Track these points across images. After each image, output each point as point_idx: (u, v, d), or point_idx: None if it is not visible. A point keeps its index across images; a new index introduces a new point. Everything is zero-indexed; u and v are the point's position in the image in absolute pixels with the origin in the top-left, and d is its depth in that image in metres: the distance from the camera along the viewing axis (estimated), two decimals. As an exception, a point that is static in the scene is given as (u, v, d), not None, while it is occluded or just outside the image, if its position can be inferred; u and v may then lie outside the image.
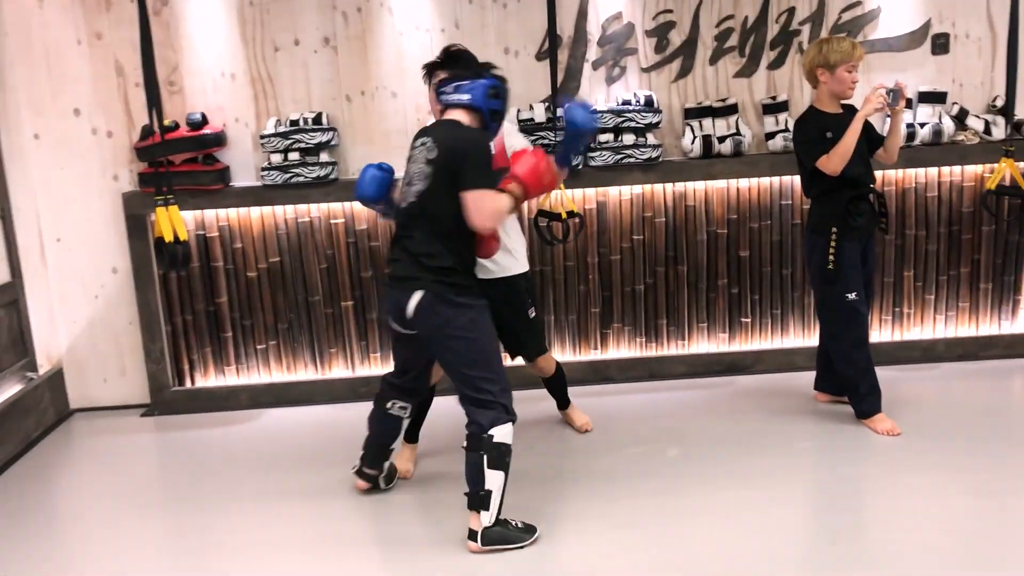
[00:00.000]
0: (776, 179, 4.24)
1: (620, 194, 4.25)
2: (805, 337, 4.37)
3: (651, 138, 4.10)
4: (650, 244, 4.30)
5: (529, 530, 2.88)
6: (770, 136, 4.17)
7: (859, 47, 3.42)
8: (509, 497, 2.87)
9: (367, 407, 4.01)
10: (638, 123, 4.05)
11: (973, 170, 4.27)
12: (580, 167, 4.09)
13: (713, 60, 4.20)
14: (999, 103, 4.19)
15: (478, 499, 2.81)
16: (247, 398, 4.30)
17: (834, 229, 3.46)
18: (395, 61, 4.14)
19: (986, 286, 4.38)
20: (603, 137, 4.08)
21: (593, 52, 4.18)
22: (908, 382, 4.09)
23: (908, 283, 4.38)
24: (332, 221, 4.23)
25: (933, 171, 4.27)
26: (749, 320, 4.39)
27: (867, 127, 3.45)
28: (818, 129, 3.42)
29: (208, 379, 4.36)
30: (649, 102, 4.08)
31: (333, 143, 4.10)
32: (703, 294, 4.35)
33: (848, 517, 2.99)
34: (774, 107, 4.17)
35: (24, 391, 4.00)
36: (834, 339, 3.63)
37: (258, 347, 4.32)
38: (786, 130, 4.11)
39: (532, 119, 4.04)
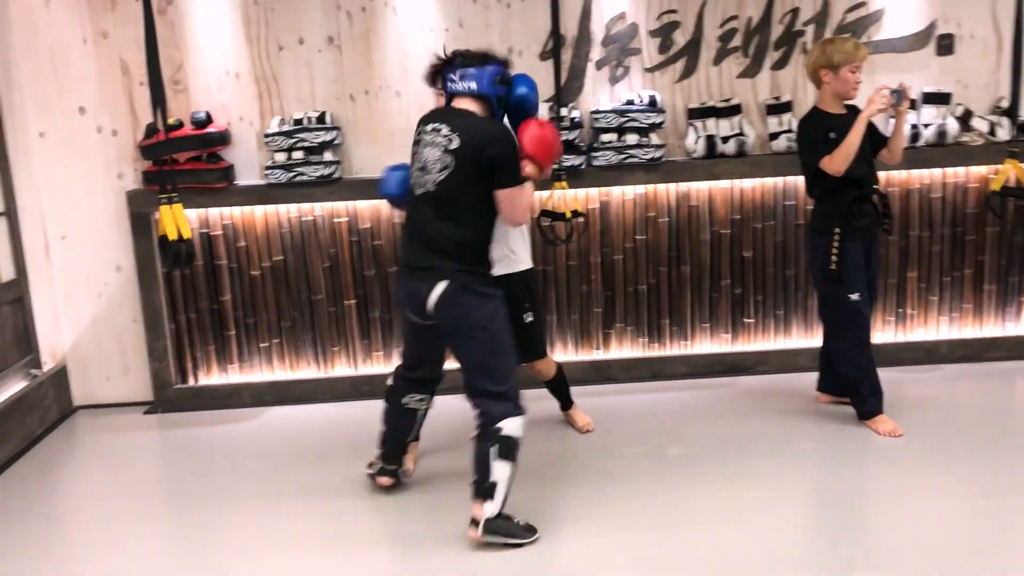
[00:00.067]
0: (780, 180, 4.24)
1: (623, 194, 4.25)
2: (808, 338, 4.36)
3: (654, 138, 4.10)
4: (653, 244, 4.30)
5: (530, 530, 2.89)
6: (774, 136, 4.16)
7: (863, 48, 3.42)
8: (510, 496, 2.87)
9: (369, 405, 4.02)
10: (642, 123, 4.05)
11: (978, 171, 4.26)
12: (583, 167, 4.09)
13: (717, 60, 4.20)
14: (1004, 104, 4.18)
15: (483, 489, 2.80)
16: (250, 396, 4.31)
17: (837, 230, 3.45)
18: (399, 60, 4.15)
19: (990, 287, 4.37)
20: (606, 137, 4.08)
21: (597, 52, 4.18)
22: (911, 383, 4.08)
23: (912, 284, 4.37)
24: (335, 220, 4.24)
25: (937, 172, 4.26)
26: (752, 321, 4.39)
27: (871, 128, 3.44)
28: (821, 130, 3.42)
29: (211, 377, 4.37)
30: (653, 102, 4.08)
31: (337, 142, 4.10)
32: (706, 294, 4.35)
33: (849, 518, 2.99)
34: (778, 108, 4.16)
35: (28, 388, 4.02)
36: (836, 340, 3.62)
37: (261, 345, 4.34)
38: (790, 131, 4.11)
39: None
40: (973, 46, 4.20)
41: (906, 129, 3.60)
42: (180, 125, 4.03)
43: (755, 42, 4.18)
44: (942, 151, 4.16)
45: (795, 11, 4.15)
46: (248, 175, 4.21)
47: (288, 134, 4.04)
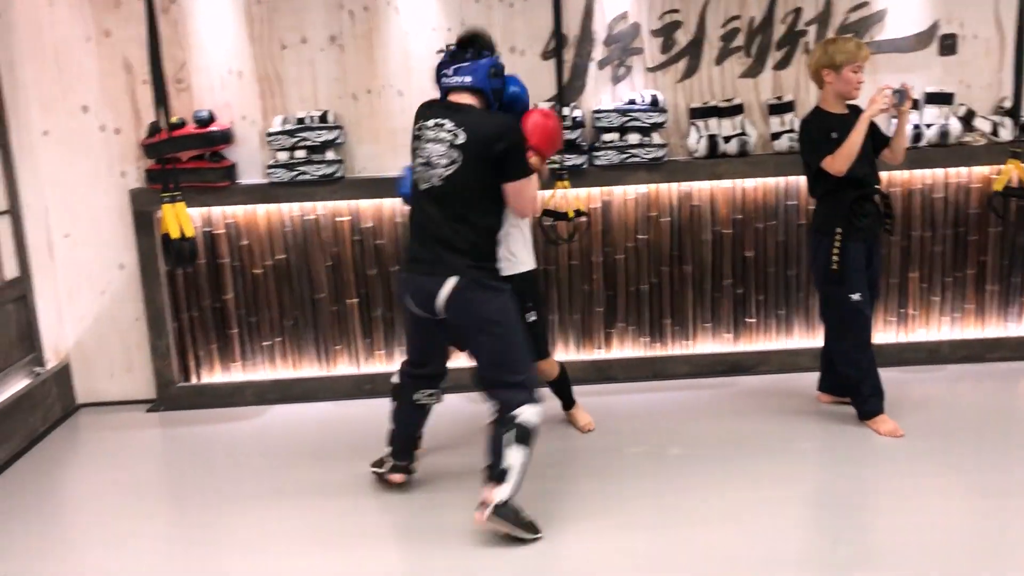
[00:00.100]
0: (782, 179, 4.24)
1: (625, 193, 4.25)
2: (809, 338, 4.36)
3: (656, 138, 4.10)
4: (655, 244, 4.30)
5: (533, 529, 2.89)
6: (776, 136, 4.16)
7: (865, 48, 3.41)
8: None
9: (372, 404, 4.04)
10: (643, 123, 4.05)
11: (980, 172, 4.25)
12: (585, 166, 4.09)
13: (719, 60, 4.19)
14: (1007, 104, 4.17)
15: (496, 472, 2.81)
16: (252, 394, 4.33)
17: (838, 229, 3.45)
18: (401, 60, 4.15)
19: (992, 288, 4.37)
20: (608, 136, 4.09)
21: (599, 52, 4.18)
22: (913, 383, 4.08)
23: (913, 284, 4.37)
24: (338, 219, 4.25)
25: (940, 172, 4.26)
26: (754, 320, 4.39)
27: (873, 128, 3.45)
28: (823, 129, 3.42)
29: (214, 375, 4.38)
30: (654, 102, 4.08)
31: (339, 141, 4.11)
32: (708, 294, 4.35)
33: (849, 518, 2.99)
34: (780, 107, 4.16)
35: (31, 386, 4.03)
36: (837, 340, 3.62)
37: (263, 344, 4.35)
38: (792, 130, 4.10)
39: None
40: (976, 46, 4.19)
41: (908, 129, 3.59)
42: (183, 124, 4.04)
43: (757, 42, 4.18)
44: (944, 151, 4.16)
45: (797, 11, 4.15)
46: (251, 174, 4.22)
47: (290, 133, 4.04)
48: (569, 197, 3.94)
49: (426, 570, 2.81)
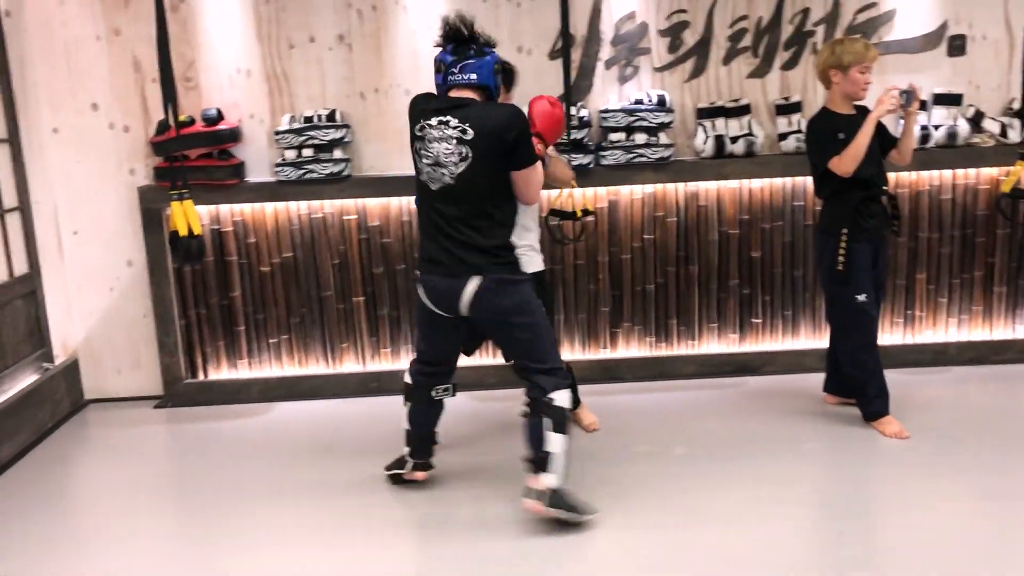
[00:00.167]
0: (788, 180, 4.23)
1: (631, 193, 4.25)
2: (815, 339, 4.36)
3: (663, 138, 4.10)
4: (661, 244, 4.30)
5: (587, 510, 2.92)
6: (783, 137, 4.16)
7: (872, 48, 3.41)
8: (509, 491, 2.88)
9: (377, 401, 4.05)
10: (650, 122, 4.05)
11: (988, 173, 4.24)
12: (591, 166, 4.09)
13: (727, 60, 4.19)
14: (1016, 106, 4.15)
15: (540, 460, 2.85)
16: (259, 391, 4.34)
17: (845, 230, 3.44)
18: (409, 59, 4.16)
19: (1000, 289, 4.35)
20: (615, 136, 4.09)
21: (606, 51, 4.18)
22: (919, 385, 4.07)
23: (920, 286, 4.35)
24: (345, 217, 4.26)
25: (947, 173, 4.25)
26: (760, 321, 4.38)
27: (880, 129, 3.44)
28: (830, 130, 3.41)
29: (221, 372, 4.41)
30: (661, 102, 4.08)
31: (347, 140, 4.13)
32: (714, 294, 4.35)
33: (854, 520, 2.98)
34: (787, 108, 4.16)
35: (40, 381, 4.06)
36: (842, 341, 3.62)
37: (270, 341, 4.37)
38: (799, 131, 4.10)
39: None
40: (985, 47, 4.17)
41: (916, 130, 3.58)
42: (191, 122, 4.06)
43: (765, 42, 4.18)
44: (952, 152, 4.15)
45: (806, 11, 4.14)
46: (258, 172, 4.24)
47: (298, 132, 4.06)
48: (576, 196, 3.94)
49: (435, 565, 2.82)
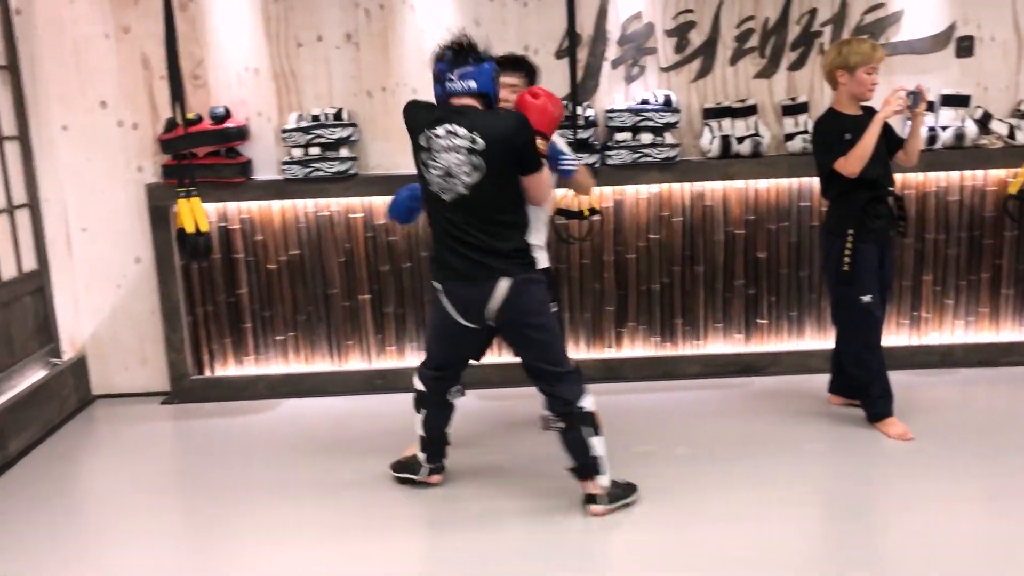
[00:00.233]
0: (795, 180, 4.23)
1: (637, 193, 4.25)
2: (821, 339, 4.35)
3: (669, 137, 4.10)
4: (667, 243, 4.30)
5: (633, 488, 3.07)
6: (789, 137, 4.15)
7: (879, 49, 3.40)
8: (515, 489, 2.88)
9: (382, 399, 4.05)
10: (656, 122, 4.05)
11: (996, 175, 4.22)
12: (597, 165, 4.10)
13: (733, 61, 4.19)
14: (1024, 107, 4.15)
15: (590, 467, 2.94)
16: (265, 388, 4.36)
17: (851, 231, 3.44)
18: (416, 58, 4.17)
19: (1007, 291, 4.33)
20: (621, 136, 4.09)
21: (613, 51, 4.19)
22: (925, 387, 4.06)
23: (927, 287, 4.34)
24: (351, 215, 4.28)
25: (955, 175, 4.23)
26: (765, 321, 4.38)
27: (887, 129, 3.43)
28: (837, 130, 3.41)
29: (227, 369, 4.43)
30: (668, 102, 4.08)
31: (353, 139, 4.14)
32: (719, 294, 4.35)
33: (857, 521, 2.98)
34: (794, 108, 4.15)
35: (48, 377, 4.09)
36: (847, 341, 3.61)
37: (276, 338, 4.39)
38: (805, 131, 4.09)
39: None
40: (993, 48, 4.16)
41: (923, 131, 3.57)
42: (199, 120, 4.08)
43: (772, 42, 4.17)
44: (960, 154, 4.13)
45: (813, 12, 4.14)
46: (265, 170, 4.26)
47: (305, 130, 4.08)
48: (582, 195, 3.94)
49: (441, 562, 2.83)
